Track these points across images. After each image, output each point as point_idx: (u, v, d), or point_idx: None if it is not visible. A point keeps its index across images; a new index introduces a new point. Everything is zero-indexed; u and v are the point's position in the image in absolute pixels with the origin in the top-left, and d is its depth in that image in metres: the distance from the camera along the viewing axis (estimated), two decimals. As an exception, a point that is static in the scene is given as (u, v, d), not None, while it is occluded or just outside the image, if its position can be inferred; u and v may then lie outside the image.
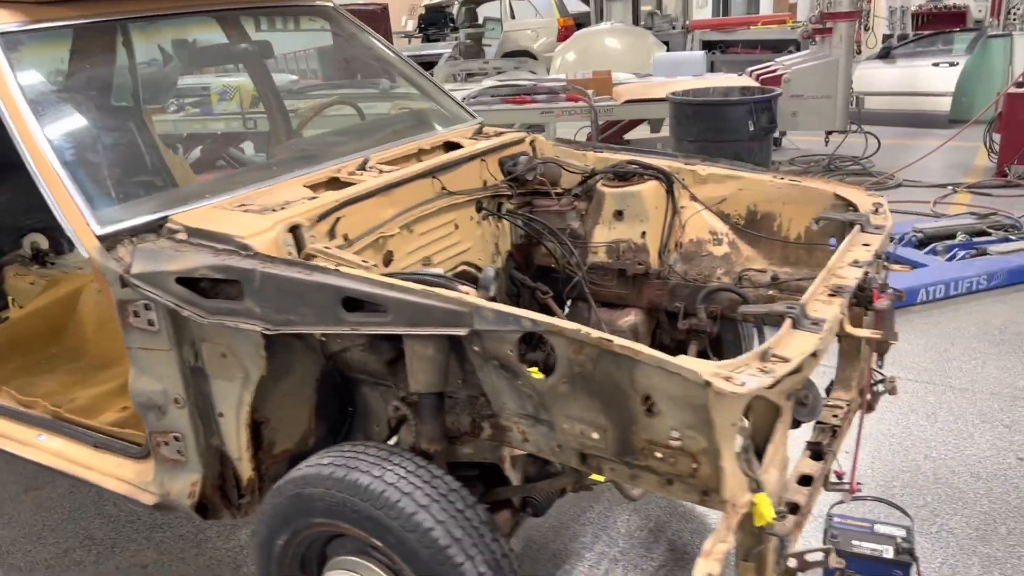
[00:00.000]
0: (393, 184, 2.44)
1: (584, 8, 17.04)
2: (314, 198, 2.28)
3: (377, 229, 2.37)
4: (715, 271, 2.84)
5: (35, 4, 2.38)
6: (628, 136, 9.22)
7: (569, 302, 3.03)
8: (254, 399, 2.11)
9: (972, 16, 12.07)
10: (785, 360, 1.67)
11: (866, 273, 2.08)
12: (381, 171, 2.52)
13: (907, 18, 12.70)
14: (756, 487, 1.67)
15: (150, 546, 3.12)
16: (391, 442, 2.26)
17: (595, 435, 1.77)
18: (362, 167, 2.54)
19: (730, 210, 2.88)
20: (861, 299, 2.00)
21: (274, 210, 2.18)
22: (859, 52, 10.13)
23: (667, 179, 2.88)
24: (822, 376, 2.51)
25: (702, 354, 2.76)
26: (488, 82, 8.76)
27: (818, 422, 2.50)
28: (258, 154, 4.86)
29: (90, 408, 2.90)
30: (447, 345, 1.92)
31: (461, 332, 1.78)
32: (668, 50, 11.89)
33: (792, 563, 1.92)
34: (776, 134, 9.89)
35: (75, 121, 2.42)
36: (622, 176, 2.92)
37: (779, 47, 12.56)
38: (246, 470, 2.20)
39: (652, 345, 3.03)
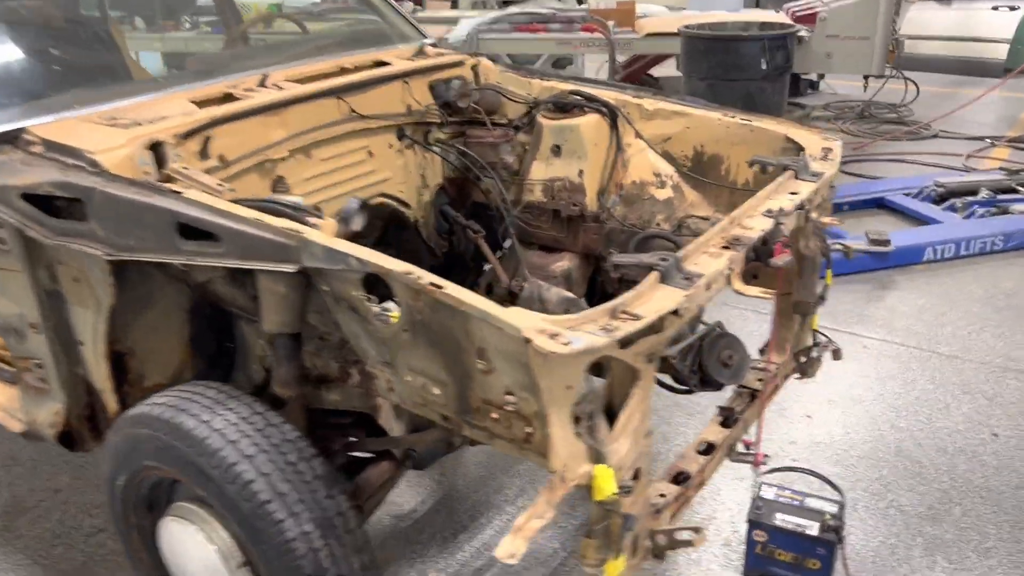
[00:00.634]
0: (285, 103, 2.25)
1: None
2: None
3: (262, 152, 2.18)
4: (655, 216, 2.61)
5: None
6: (655, 73, 8.84)
7: (509, 243, 2.83)
8: (116, 328, 1.98)
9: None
10: (636, 318, 1.46)
11: (777, 224, 1.84)
12: (280, 88, 2.32)
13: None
14: (597, 458, 1.49)
15: (68, 470, 3.06)
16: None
17: (436, 390, 1.60)
18: (262, 83, 2.35)
19: (676, 150, 2.64)
20: (761, 253, 1.77)
21: (140, 124, 2.01)
22: (912, -8, 9.50)
23: (611, 113, 2.64)
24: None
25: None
26: (512, 9, 8.42)
27: (740, 386, 2.29)
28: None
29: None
30: (300, 282, 1.75)
31: (289, 268, 1.61)
32: (712, -17, 11.31)
33: (661, 540, 1.75)
34: (814, 77, 9.40)
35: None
36: (563, 108, 2.68)
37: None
38: (110, 402, 2.08)
39: (591, 293, 2.83)
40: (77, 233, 1.82)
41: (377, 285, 1.60)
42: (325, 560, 1.65)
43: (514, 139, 2.74)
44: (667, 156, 2.65)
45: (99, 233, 1.79)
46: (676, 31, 6.76)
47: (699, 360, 2.19)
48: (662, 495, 1.87)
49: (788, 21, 6.51)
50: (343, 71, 2.58)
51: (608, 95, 2.70)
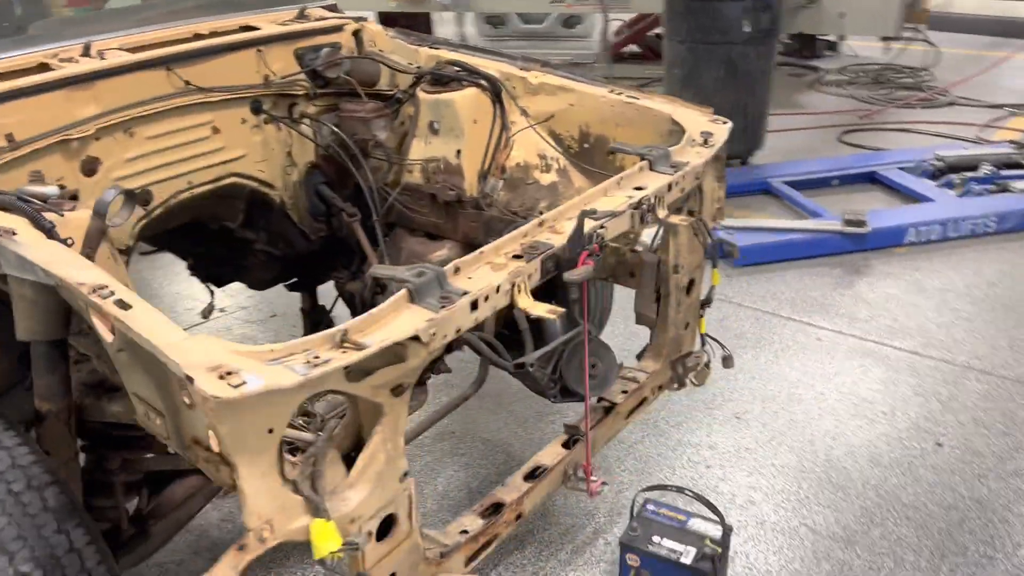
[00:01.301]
0: (97, 74, 2.02)
1: None
2: None
3: (65, 130, 1.96)
4: (538, 203, 2.34)
5: None
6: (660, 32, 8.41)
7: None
8: None
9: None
10: (359, 347, 1.23)
11: (579, 229, 1.57)
12: (102, 58, 2.10)
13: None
14: (317, 511, 1.27)
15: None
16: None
17: (158, 420, 1.39)
18: (85, 52, 2.12)
19: (561, 129, 2.36)
20: (564, 263, 1.51)
21: None
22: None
23: (493, 87, 2.37)
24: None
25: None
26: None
27: (601, 399, 2.05)
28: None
29: None
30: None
31: None
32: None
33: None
34: (833, 38, 8.87)
35: None
36: (442, 81, 2.41)
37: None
38: None
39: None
40: None
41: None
42: None
43: (389, 114, 2.48)
44: (555, 136, 2.38)
45: None
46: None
47: (558, 369, 1.96)
48: (464, 531, 1.64)
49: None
50: (197, 38, 2.35)
51: (495, 67, 2.43)
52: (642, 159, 1.84)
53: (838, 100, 7.12)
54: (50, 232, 1.50)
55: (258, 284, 2.83)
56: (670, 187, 1.78)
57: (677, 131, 2.11)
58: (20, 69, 2.04)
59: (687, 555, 2.15)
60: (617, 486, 2.70)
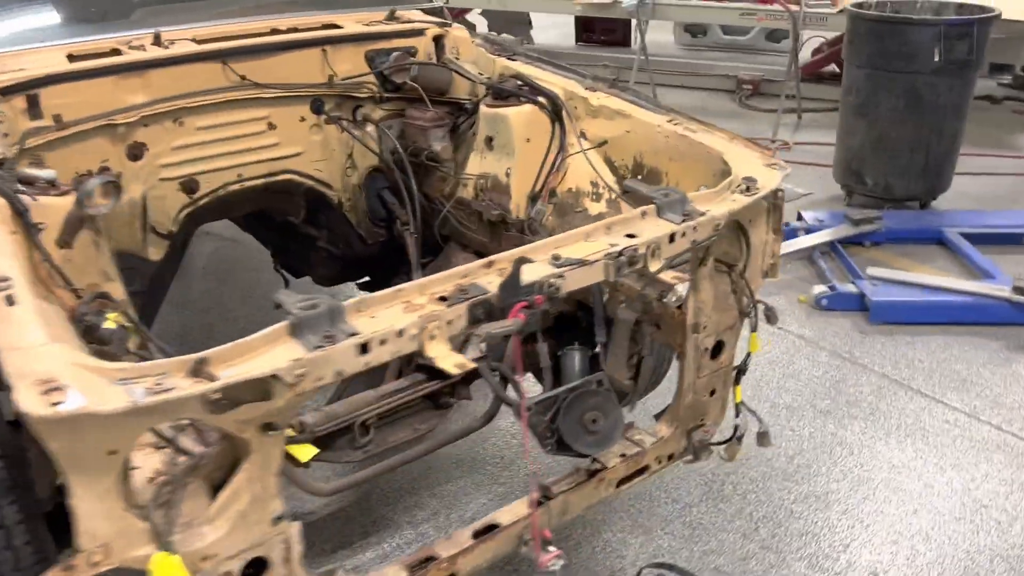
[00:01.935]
0: (149, 64, 2.08)
1: None
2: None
3: (110, 115, 2.03)
4: (582, 235, 2.17)
5: None
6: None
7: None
8: None
9: None
10: (212, 378, 1.15)
11: (558, 276, 1.40)
12: (167, 48, 2.17)
13: None
14: (162, 542, 1.21)
15: None
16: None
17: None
18: (156, 41, 2.20)
19: (616, 157, 2.17)
20: (494, 312, 1.35)
21: None
22: None
23: (553, 106, 2.22)
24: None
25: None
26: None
27: (595, 459, 1.85)
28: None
29: None
30: None
31: None
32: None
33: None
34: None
35: None
36: (503, 95, 2.30)
37: None
38: None
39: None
40: None
41: None
42: None
43: (447, 124, 2.40)
44: (610, 164, 2.19)
45: None
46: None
47: (556, 419, 1.80)
48: (379, 582, 1.53)
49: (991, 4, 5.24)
50: (272, 33, 2.37)
51: (562, 84, 2.28)
52: (651, 203, 1.63)
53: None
54: (23, 215, 1.54)
55: (322, 280, 2.85)
56: (672, 238, 1.56)
57: (724, 172, 1.87)
58: (92, 53, 2.15)
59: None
60: (654, 550, 2.48)
